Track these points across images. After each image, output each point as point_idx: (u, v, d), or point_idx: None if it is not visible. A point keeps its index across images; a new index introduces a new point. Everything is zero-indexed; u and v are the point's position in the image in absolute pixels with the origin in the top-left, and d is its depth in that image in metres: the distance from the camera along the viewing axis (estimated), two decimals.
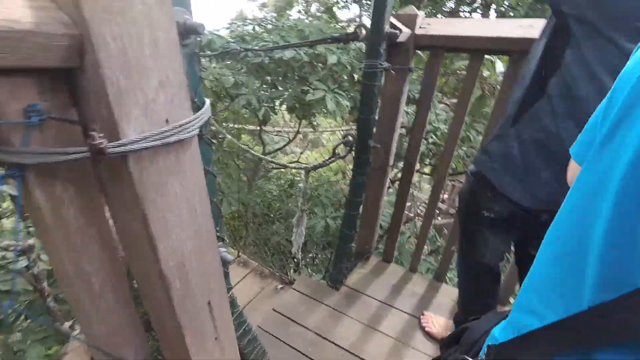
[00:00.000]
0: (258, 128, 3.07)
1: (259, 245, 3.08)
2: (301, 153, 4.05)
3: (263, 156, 2.37)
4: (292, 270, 2.62)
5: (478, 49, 1.18)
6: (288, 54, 2.05)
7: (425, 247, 3.16)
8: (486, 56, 1.40)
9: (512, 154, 0.84)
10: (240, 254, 1.99)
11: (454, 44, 1.20)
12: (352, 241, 1.49)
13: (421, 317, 1.41)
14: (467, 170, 1.02)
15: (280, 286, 1.72)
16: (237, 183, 3.01)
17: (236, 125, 3.80)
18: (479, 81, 1.72)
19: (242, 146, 2.27)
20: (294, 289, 1.55)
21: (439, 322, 1.37)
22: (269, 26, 2.74)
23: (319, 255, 3.05)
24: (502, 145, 0.86)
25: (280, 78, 2.48)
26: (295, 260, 2.31)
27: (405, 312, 1.46)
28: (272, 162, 2.77)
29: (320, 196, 2.73)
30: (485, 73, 1.73)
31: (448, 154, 1.37)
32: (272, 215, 3.72)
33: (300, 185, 3.42)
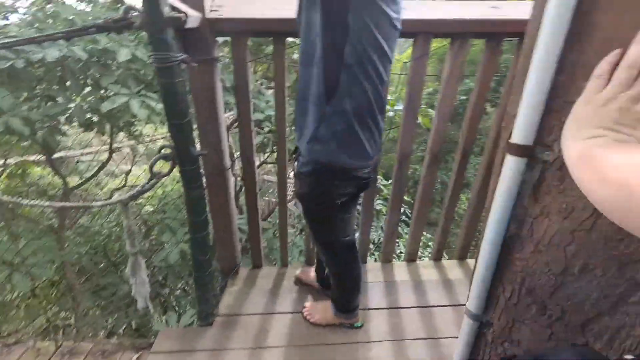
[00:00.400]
0: (45, 157, 2.29)
1: (99, 308, 2.40)
2: (127, 174, 3.33)
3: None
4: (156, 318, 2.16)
5: (280, 32, 1.13)
6: (52, 53, 1.51)
7: (293, 229, 3.23)
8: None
9: (339, 129, 0.88)
10: (60, 343, 1.43)
11: (256, 28, 1.11)
12: (210, 266, 1.28)
13: (303, 311, 1.38)
14: (299, 173, 1.00)
15: (135, 357, 1.34)
16: (39, 239, 2.18)
17: (12, 160, 2.76)
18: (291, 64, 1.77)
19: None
20: (155, 352, 1.22)
21: (316, 308, 1.38)
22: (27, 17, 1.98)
23: (188, 286, 2.64)
24: (328, 126, 0.88)
25: (56, 87, 1.86)
26: (148, 314, 1.89)
27: (288, 313, 1.40)
28: (71, 205, 2.12)
29: (166, 219, 2.31)
30: (296, 55, 1.76)
31: (281, 139, 1.33)
32: (112, 259, 2.96)
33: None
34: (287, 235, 1.65)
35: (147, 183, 1.13)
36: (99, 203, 1.17)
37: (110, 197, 2.70)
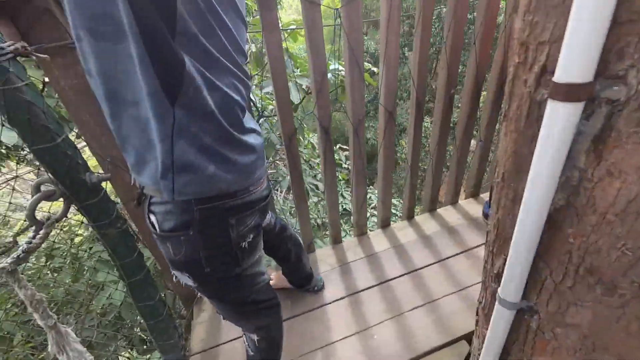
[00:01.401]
0: None
1: None
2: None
3: None
4: None
5: None
6: None
7: None
8: None
9: (207, 142, 0.58)
10: None
11: None
12: (163, 308, 1.02)
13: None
14: (163, 233, 0.65)
15: None
16: None
17: None
18: None
19: None
20: None
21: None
22: None
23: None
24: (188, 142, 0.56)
25: None
26: None
27: None
28: None
29: (98, 252, 1.90)
30: None
31: None
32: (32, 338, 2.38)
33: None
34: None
35: (34, 237, 0.80)
36: None
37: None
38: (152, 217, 0.66)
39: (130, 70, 0.49)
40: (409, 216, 1.66)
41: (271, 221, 1.03)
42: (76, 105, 0.82)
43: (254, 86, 1.73)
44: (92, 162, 0.96)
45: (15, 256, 0.80)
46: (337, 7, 1.04)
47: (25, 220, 0.81)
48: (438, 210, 1.70)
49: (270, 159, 2.27)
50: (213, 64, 0.54)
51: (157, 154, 0.55)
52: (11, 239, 0.89)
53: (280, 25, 0.98)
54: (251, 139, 0.65)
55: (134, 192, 1.00)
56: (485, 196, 1.75)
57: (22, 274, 0.86)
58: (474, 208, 1.68)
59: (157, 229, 0.65)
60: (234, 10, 0.58)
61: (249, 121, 0.67)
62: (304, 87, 1.71)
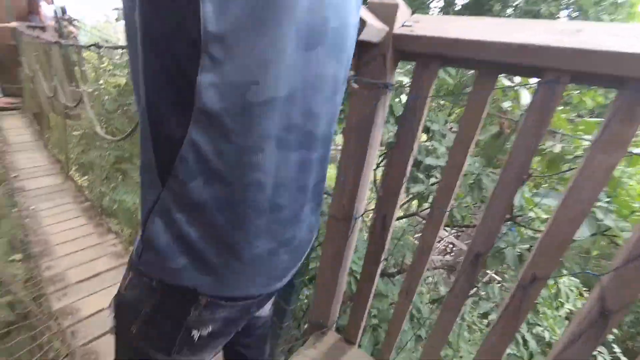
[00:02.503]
0: None
1: None
2: None
3: None
4: None
5: (490, 62, 0.77)
6: None
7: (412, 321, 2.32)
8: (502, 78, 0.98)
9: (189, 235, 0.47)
10: None
11: (452, 53, 0.80)
12: (289, 318, 1.05)
13: None
14: (122, 299, 0.56)
15: None
16: None
17: None
18: (495, 114, 1.29)
19: None
20: None
21: None
22: None
23: None
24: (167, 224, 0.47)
25: None
26: None
27: None
28: None
29: None
30: (506, 104, 1.30)
31: (446, 194, 0.93)
32: None
33: None
34: (401, 325, 1.22)
35: None
36: None
37: None
38: (138, 243, 0.52)
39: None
40: None
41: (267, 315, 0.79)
42: (351, 133, 0.96)
43: None
44: None
45: None
46: None
47: None
48: None
49: None
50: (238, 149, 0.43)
51: (144, 204, 0.48)
52: None
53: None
54: (257, 247, 0.51)
55: (342, 211, 1.07)
56: None
57: None
58: None
59: (134, 258, 0.53)
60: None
61: (275, 224, 0.52)
62: None
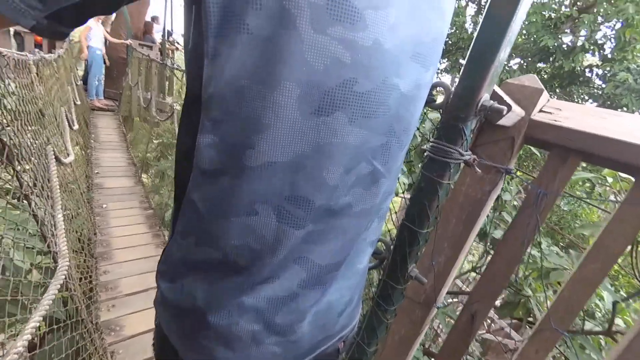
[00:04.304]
0: None
1: None
2: None
3: None
4: None
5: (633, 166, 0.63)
6: None
7: None
8: None
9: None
10: None
11: (597, 150, 0.68)
12: None
13: None
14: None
15: None
16: None
17: None
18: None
19: None
20: None
21: None
22: None
23: None
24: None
25: None
26: None
27: None
28: None
29: None
30: None
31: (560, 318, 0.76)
32: None
33: None
34: None
35: None
36: None
37: None
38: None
39: None
40: None
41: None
42: (455, 216, 0.86)
43: None
44: None
45: None
46: None
47: None
48: None
49: None
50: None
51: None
52: None
53: None
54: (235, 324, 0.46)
55: (421, 296, 0.94)
56: None
57: None
58: None
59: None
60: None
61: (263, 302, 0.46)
62: None
